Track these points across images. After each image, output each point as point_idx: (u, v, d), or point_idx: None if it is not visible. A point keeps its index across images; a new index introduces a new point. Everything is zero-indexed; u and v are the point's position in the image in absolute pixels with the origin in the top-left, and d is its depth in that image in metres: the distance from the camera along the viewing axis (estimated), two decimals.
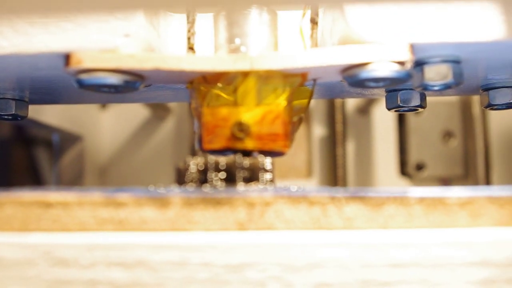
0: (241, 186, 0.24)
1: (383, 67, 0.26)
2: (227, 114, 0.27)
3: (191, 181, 0.24)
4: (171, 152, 0.64)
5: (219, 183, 0.24)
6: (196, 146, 0.28)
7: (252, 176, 0.24)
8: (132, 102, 0.53)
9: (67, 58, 0.27)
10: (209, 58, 0.27)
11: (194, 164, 0.24)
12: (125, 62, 0.26)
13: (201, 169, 0.24)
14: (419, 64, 0.28)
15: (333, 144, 0.62)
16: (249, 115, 0.27)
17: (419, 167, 0.62)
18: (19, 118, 0.35)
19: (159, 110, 0.64)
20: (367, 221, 0.21)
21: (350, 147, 0.63)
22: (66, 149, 0.63)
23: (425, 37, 0.26)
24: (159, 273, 0.20)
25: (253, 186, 0.24)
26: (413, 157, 0.62)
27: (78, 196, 0.21)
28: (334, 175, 0.62)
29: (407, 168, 0.62)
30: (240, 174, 0.24)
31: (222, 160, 0.25)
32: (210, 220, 0.21)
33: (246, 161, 0.25)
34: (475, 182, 0.60)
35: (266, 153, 0.27)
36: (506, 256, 0.20)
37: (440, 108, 0.62)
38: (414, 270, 0.20)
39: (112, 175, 0.65)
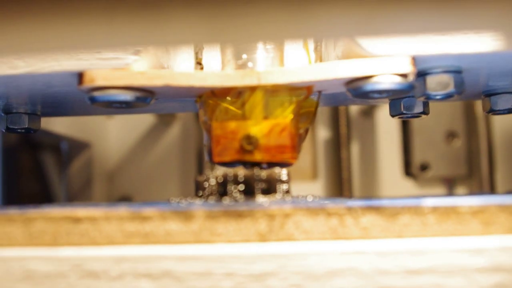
0: (259, 198, 0.25)
1: (386, 79, 0.27)
2: (236, 128, 0.28)
3: (211, 193, 0.25)
4: (178, 157, 0.65)
5: (238, 195, 0.25)
6: (206, 159, 0.29)
7: (270, 187, 0.25)
8: (140, 113, 0.54)
9: (80, 76, 0.28)
10: (217, 74, 0.28)
11: (213, 177, 0.25)
12: (136, 79, 0.27)
13: (220, 181, 0.25)
14: (421, 75, 0.29)
15: (337, 146, 0.63)
16: (257, 128, 0.28)
17: (423, 167, 0.63)
18: (32, 131, 0.36)
19: (164, 116, 0.64)
20: (383, 230, 0.22)
21: (355, 149, 0.64)
22: (74, 156, 0.64)
23: (427, 50, 0.27)
24: (184, 283, 0.21)
25: (271, 197, 0.25)
26: (417, 157, 0.63)
27: (105, 211, 0.22)
28: (339, 177, 0.63)
29: (412, 168, 0.63)
30: (258, 186, 0.25)
31: (241, 172, 0.25)
32: (232, 232, 0.22)
33: (263, 173, 0.25)
34: (479, 182, 0.61)
35: (274, 164, 0.28)
36: None
37: (444, 108, 0.63)
38: (429, 276, 0.21)
39: (120, 181, 0.65)
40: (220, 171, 0.26)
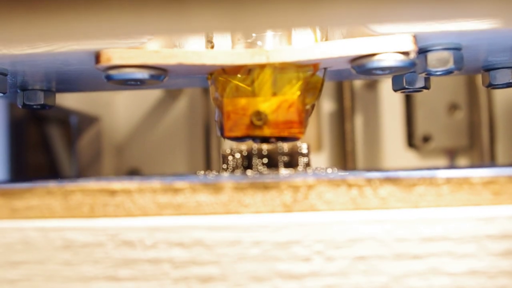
0: (282, 170, 0.27)
1: (389, 57, 0.28)
2: (246, 104, 0.29)
3: (236, 167, 0.26)
4: (185, 130, 0.66)
5: (262, 168, 0.27)
6: (218, 134, 0.30)
7: (291, 160, 0.27)
8: (151, 89, 0.55)
9: (97, 56, 0.29)
10: (228, 52, 0.29)
11: (238, 150, 0.27)
12: (150, 58, 0.29)
13: (245, 155, 0.27)
14: (422, 52, 0.30)
15: (341, 119, 0.65)
16: (266, 104, 0.29)
17: (426, 139, 0.64)
18: (47, 107, 0.38)
19: (171, 90, 0.66)
20: (400, 200, 0.23)
21: (359, 121, 0.65)
22: (83, 130, 0.66)
23: (428, 28, 0.28)
24: (214, 251, 0.23)
25: (293, 170, 0.27)
26: (420, 129, 0.64)
27: (139, 184, 0.24)
28: (343, 149, 0.64)
29: (414, 140, 0.64)
30: (281, 159, 0.26)
31: (265, 146, 0.27)
32: (259, 203, 0.23)
33: (286, 147, 0.27)
34: (480, 153, 0.62)
35: (283, 138, 0.30)
36: None
37: (446, 81, 0.64)
38: (442, 244, 0.23)
39: (128, 154, 0.67)
40: (245, 145, 0.27)
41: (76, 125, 0.65)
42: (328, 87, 0.65)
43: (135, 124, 0.68)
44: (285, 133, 0.29)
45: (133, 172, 0.67)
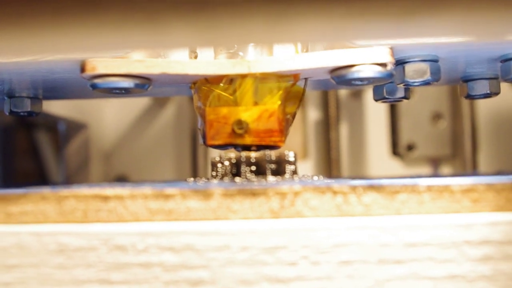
0: (270, 178, 0.27)
1: (367, 68, 0.29)
2: (228, 113, 0.30)
3: (225, 174, 0.27)
4: (172, 137, 0.67)
5: (250, 175, 0.28)
6: (200, 142, 0.31)
7: (279, 168, 0.28)
8: (137, 97, 0.56)
9: (82, 65, 0.30)
10: (210, 62, 0.30)
11: (227, 158, 0.28)
12: (134, 68, 0.30)
13: (233, 163, 0.28)
14: (401, 63, 0.31)
15: (327, 127, 0.66)
16: (247, 114, 0.30)
17: (410, 147, 0.65)
18: (34, 114, 0.38)
19: (159, 98, 0.66)
20: (383, 207, 0.24)
21: (344, 130, 0.66)
22: (71, 137, 0.66)
23: (405, 41, 0.29)
24: (204, 255, 0.24)
25: (280, 177, 0.28)
26: (404, 138, 0.65)
27: (130, 190, 0.24)
28: (328, 157, 0.65)
29: (398, 148, 0.65)
30: (268, 167, 0.27)
31: (253, 154, 0.28)
32: (247, 209, 0.24)
33: (273, 155, 0.28)
34: (462, 162, 0.63)
35: (263, 147, 0.31)
36: (502, 236, 0.23)
37: (430, 90, 0.65)
38: (424, 249, 0.23)
39: (116, 160, 0.67)
40: (234, 153, 0.28)
41: (64, 132, 0.66)
42: (314, 96, 0.66)
43: (123, 131, 0.68)
44: (265, 142, 0.30)
45: (120, 179, 0.67)
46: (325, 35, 0.27)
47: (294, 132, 0.67)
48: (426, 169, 0.65)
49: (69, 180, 0.66)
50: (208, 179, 0.29)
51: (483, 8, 0.26)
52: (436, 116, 0.65)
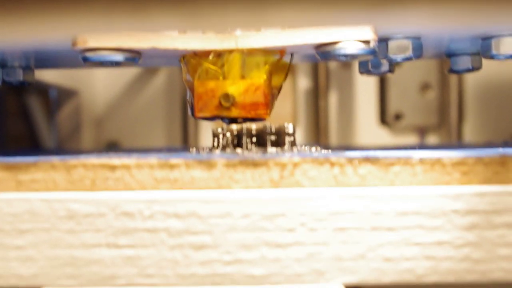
0: (270, 148, 0.29)
1: (350, 45, 0.31)
2: (215, 87, 0.32)
3: (227, 145, 0.29)
4: (163, 104, 0.68)
5: (251, 146, 0.29)
6: (189, 113, 0.33)
7: (278, 139, 0.29)
8: (128, 67, 0.57)
9: (73, 38, 0.31)
10: (199, 37, 0.32)
11: (229, 130, 0.29)
12: (124, 42, 0.31)
13: (235, 134, 0.29)
14: (384, 40, 0.32)
15: (316, 96, 0.67)
16: (234, 87, 0.32)
17: (398, 116, 0.66)
18: (27, 84, 0.39)
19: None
20: (377, 178, 0.26)
21: (333, 98, 0.67)
22: (63, 103, 0.67)
23: (388, 20, 0.30)
24: (207, 222, 0.25)
25: (280, 148, 0.29)
26: (392, 107, 0.66)
27: (137, 160, 0.26)
28: (317, 125, 0.67)
29: (386, 117, 0.66)
30: (269, 138, 0.29)
31: (254, 126, 0.29)
32: (248, 179, 0.26)
33: (273, 127, 0.29)
34: (448, 132, 0.65)
35: (249, 119, 0.32)
36: (488, 206, 0.25)
37: (418, 61, 0.66)
38: (415, 217, 0.25)
39: (107, 127, 0.68)
40: (236, 125, 0.29)
41: (55, 98, 0.66)
42: (304, 65, 0.67)
43: (114, 98, 0.69)
44: (251, 115, 0.32)
45: (112, 145, 0.68)
46: (308, 21, 0.28)
47: (284, 100, 0.68)
48: (412, 138, 0.66)
49: (61, 145, 0.66)
50: (210, 149, 0.30)
51: None
52: (424, 86, 0.66)
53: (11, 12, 0.27)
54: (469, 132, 0.65)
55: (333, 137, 0.68)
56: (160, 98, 0.68)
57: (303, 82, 0.68)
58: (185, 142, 0.67)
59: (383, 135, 0.67)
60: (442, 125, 0.65)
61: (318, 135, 0.67)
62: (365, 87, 0.67)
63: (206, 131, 0.67)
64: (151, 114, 0.68)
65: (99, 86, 0.68)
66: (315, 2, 0.26)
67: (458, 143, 0.63)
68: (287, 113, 0.69)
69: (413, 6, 0.26)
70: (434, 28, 0.30)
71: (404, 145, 0.58)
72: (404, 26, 0.30)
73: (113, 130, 0.68)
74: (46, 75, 0.59)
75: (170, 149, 0.51)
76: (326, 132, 0.66)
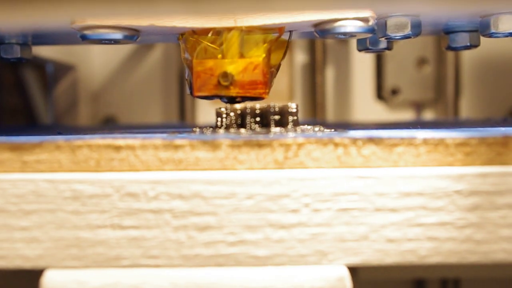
0: (273, 129, 0.29)
1: (349, 23, 0.31)
2: (214, 65, 0.32)
3: (231, 124, 0.29)
4: (160, 79, 0.68)
5: (255, 126, 0.29)
6: (188, 92, 0.33)
7: (282, 119, 0.29)
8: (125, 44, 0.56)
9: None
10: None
11: (233, 109, 0.29)
12: (123, 19, 0.30)
13: (238, 113, 0.29)
14: (383, 18, 0.32)
15: (313, 71, 0.67)
16: (233, 66, 0.32)
17: (394, 91, 0.66)
18: (24, 60, 0.39)
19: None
20: (381, 159, 0.26)
21: (330, 74, 0.67)
22: (60, 78, 0.66)
23: (385, 7, 0.30)
24: (211, 202, 0.25)
25: (283, 128, 0.29)
26: (389, 82, 0.66)
27: (141, 140, 0.26)
28: (314, 100, 0.67)
29: (383, 92, 0.66)
30: (272, 118, 0.29)
31: (257, 105, 0.29)
32: (253, 160, 0.26)
33: (277, 107, 0.29)
34: (444, 107, 0.65)
35: (248, 98, 0.32)
36: (490, 187, 0.25)
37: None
38: (418, 198, 0.25)
39: (104, 102, 0.68)
40: (240, 104, 0.29)
41: (52, 73, 0.66)
42: (301, 40, 0.67)
43: (111, 73, 0.69)
44: (250, 93, 0.31)
45: (108, 120, 0.68)
46: (309, 5, 0.28)
47: (281, 76, 0.68)
48: (409, 113, 0.66)
49: (57, 120, 0.66)
50: (213, 128, 0.30)
51: None
52: (421, 61, 0.66)
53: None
54: (465, 107, 0.65)
55: (330, 113, 0.68)
56: (157, 73, 0.68)
57: (300, 57, 0.67)
58: (181, 117, 0.67)
59: (380, 110, 0.67)
60: (439, 100, 0.65)
61: (314, 111, 0.67)
62: (362, 63, 0.67)
63: (202, 106, 0.66)
64: (148, 89, 0.68)
65: (96, 61, 0.68)
66: None
67: (456, 119, 0.63)
68: (284, 88, 0.69)
69: None
70: (433, 8, 0.30)
71: (403, 121, 0.58)
72: (403, 7, 0.30)
73: (110, 105, 0.68)
74: (43, 50, 0.59)
75: (169, 126, 0.51)
76: (323, 108, 0.67)
